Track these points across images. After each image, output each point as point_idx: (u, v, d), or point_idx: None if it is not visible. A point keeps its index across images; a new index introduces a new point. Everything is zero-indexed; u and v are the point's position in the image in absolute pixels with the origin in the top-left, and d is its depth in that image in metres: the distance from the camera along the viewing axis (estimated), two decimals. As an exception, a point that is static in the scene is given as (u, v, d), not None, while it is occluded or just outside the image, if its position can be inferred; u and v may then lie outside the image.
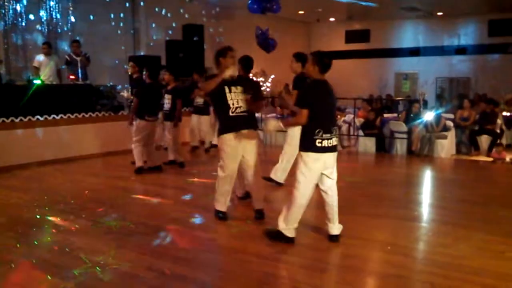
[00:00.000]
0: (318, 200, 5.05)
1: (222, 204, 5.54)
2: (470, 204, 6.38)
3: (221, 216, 5.53)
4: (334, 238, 4.75)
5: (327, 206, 4.70)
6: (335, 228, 4.77)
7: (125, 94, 8.93)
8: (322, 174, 4.56)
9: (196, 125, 10.61)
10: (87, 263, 4.20)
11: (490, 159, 10.07)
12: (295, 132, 5.78)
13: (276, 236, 4.67)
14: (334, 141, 4.52)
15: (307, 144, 4.47)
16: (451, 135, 10.67)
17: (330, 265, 4.21)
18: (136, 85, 8.57)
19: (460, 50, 18.53)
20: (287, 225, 4.62)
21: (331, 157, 4.55)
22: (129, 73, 9.21)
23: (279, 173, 7.08)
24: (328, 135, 4.45)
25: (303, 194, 4.53)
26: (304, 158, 4.48)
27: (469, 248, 4.63)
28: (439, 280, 3.88)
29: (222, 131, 5.32)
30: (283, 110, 10.29)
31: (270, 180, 7.09)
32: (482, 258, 4.38)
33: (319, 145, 4.42)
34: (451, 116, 11.49)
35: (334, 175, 4.67)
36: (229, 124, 5.29)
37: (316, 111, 4.44)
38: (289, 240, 4.64)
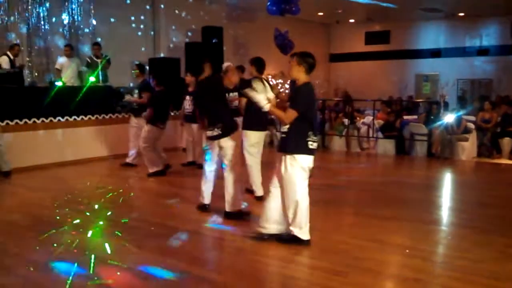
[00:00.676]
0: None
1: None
2: (491, 208, 6.28)
3: (246, 216, 5.57)
4: None
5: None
6: None
7: (131, 97, 8.85)
8: None
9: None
10: (106, 264, 4.25)
11: (512, 162, 9.92)
12: None
13: (292, 240, 4.64)
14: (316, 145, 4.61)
15: (300, 146, 4.49)
16: (473, 137, 10.51)
17: (346, 267, 4.17)
18: (141, 88, 8.57)
19: (482, 51, 18.23)
20: (301, 229, 4.60)
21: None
22: (134, 76, 9.20)
23: None
24: (315, 137, 4.53)
25: (304, 195, 4.55)
26: (299, 159, 4.48)
27: (488, 252, 4.56)
28: (457, 284, 3.83)
29: (232, 129, 5.47)
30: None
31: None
32: (502, 262, 4.31)
33: (311, 147, 4.49)
34: (473, 118, 11.32)
35: None
36: (233, 123, 5.55)
37: (309, 114, 4.49)
38: (305, 242, 4.62)
